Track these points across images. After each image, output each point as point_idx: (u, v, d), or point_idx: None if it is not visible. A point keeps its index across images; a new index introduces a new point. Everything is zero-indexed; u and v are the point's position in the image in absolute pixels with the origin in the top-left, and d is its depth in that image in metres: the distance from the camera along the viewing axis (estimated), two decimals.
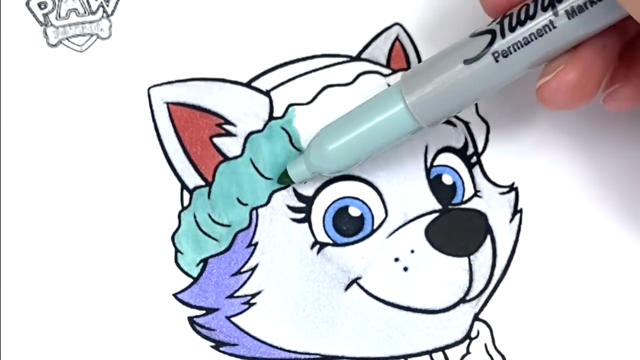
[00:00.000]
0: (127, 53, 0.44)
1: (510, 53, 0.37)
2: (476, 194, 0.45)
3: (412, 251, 0.44)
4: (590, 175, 0.46)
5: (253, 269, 0.43)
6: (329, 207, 0.43)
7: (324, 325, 0.44)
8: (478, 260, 0.45)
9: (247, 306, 0.43)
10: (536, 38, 0.37)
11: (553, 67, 0.38)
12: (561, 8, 0.36)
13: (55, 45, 0.44)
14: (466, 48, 0.38)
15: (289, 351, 0.44)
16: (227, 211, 0.43)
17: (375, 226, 0.44)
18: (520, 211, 0.45)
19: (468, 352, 0.45)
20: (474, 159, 0.45)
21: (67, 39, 0.44)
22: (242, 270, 0.43)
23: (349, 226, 0.44)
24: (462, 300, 0.45)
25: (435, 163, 0.45)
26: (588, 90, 0.38)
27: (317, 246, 0.44)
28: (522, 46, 0.37)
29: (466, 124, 0.45)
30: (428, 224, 0.44)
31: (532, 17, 0.37)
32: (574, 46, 0.37)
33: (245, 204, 0.43)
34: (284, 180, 0.43)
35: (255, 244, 0.43)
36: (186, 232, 0.43)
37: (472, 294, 0.45)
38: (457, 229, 0.44)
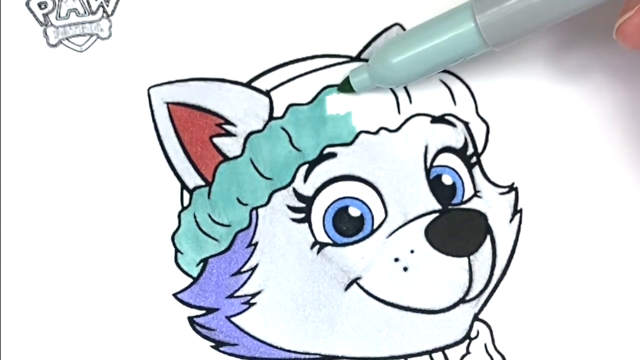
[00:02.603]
0: (127, 53, 0.44)
1: None
2: (476, 194, 0.45)
3: (412, 251, 0.44)
4: (590, 176, 0.46)
5: (253, 269, 0.43)
6: (329, 207, 0.43)
7: (324, 325, 0.44)
8: (478, 260, 0.45)
9: (247, 306, 0.43)
10: None
11: (634, 3, 0.38)
12: None
13: (55, 45, 0.44)
14: None
15: (289, 351, 0.44)
16: (227, 211, 0.43)
17: (375, 226, 0.44)
18: (520, 211, 0.45)
19: (468, 352, 0.45)
20: (474, 159, 0.45)
21: (67, 39, 0.44)
22: (242, 270, 0.43)
23: (349, 226, 0.44)
24: (462, 301, 0.45)
25: (435, 163, 0.45)
26: None
27: (317, 246, 0.44)
28: None
29: (466, 124, 0.45)
30: (428, 224, 0.44)
31: None
32: None
33: (245, 204, 0.43)
34: (345, 88, 0.43)
35: (255, 244, 0.43)
36: (186, 232, 0.43)
37: (472, 294, 0.45)
38: (457, 229, 0.44)
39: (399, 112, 0.44)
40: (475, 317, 0.45)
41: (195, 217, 0.43)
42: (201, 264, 0.43)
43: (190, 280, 0.43)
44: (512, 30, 0.39)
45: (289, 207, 0.44)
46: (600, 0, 0.38)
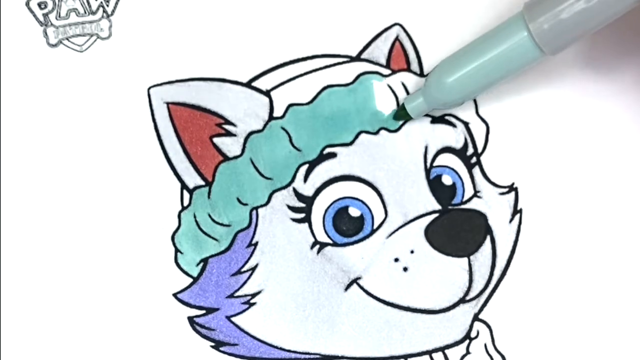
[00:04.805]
0: (127, 53, 0.44)
1: None
2: (476, 194, 0.45)
3: (412, 251, 0.44)
4: (590, 175, 0.46)
5: (253, 269, 0.43)
6: (329, 207, 0.43)
7: (324, 325, 0.44)
8: (478, 260, 0.45)
9: (247, 306, 0.43)
10: None
11: None
12: None
13: (55, 45, 0.44)
14: None
15: (289, 351, 0.44)
16: (227, 211, 0.43)
17: (375, 226, 0.44)
18: (520, 211, 0.45)
19: (468, 352, 0.45)
20: (474, 160, 0.45)
21: (67, 39, 0.44)
22: (242, 270, 0.43)
23: (349, 226, 0.44)
24: (462, 301, 0.45)
25: (435, 163, 0.45)
26: None
27: (317, 246, 0.44)
28: None
29: (466, 124, 0.45)
30: (428, 224, 0.44)
31: None
32: None
33: (245, 204, 0.43)
34: (401, 115, 0.43)
35: (255, 244, 0.43)
36: (186, 232, 0.43)
37: (471, 294, 0.45)
38: (457, 229, 0.44)
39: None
40: (475, 317, 0.45)
41: (195, 217, 0.43)
42: (201, 264, 0.43)
43: (190, 280, 0.43)
44: (567, 34, 0.39)
45: (289, 207, 0.44)
46: None
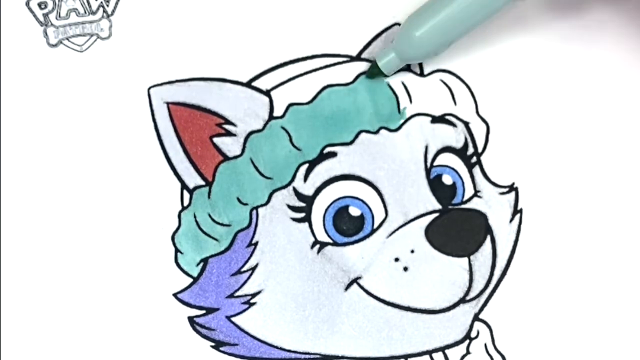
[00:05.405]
0: (127, 53, 0.44)
1: None
2: (476, 194, 0.45)
3: (412, 251, 0.44)
4: (590, 175, 0.46)
5: (253, 269, 0.43)
6: (329, 206, 0.43)
7: (324, 325, 0.44)
8: (478, 260, 0.45)
9: (247, 306, 0.43)
10: None
11: None
12: None
13: (55, 45, 0.44)
14: None
15: (289, 351, 0.44)
16: (227, 211, 0.43)
17: (375, 226, 0.44)
18: (520, 211, 0.45)
19: (468, 352, 0.45)
20: (474, 159, 0.45)
21: (67, 39, 0.44)
22: (242, 269, 0.43)
23: (349, 226, 0.44)
24: (462, 300, 0.44)
25: (435, 163, 0.45)
26: None
27: (317, 246, 0.44)
28: None
29: (466, 124, 0.45)
30: (428, 224, 0.44)
31: None
32: None
33: (245, 204, 0.43)
34: (374, 72, 0.43)
35: (255, 244, 0.43)
36: (186, 232, 0.43)
37: (472, 294, 0.45)
38: (457, 229, 0.44)
39: (399, 111, 0.44)
40: (476, 317, 0.45)
41: (195, 217, 0.43)
42: (201, 264, 0.43)
43: (190, 280, 0.43)
44: None
45: (289, 207, 0.43)
46: None
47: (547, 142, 0.46)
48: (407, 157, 0.44)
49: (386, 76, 0.44)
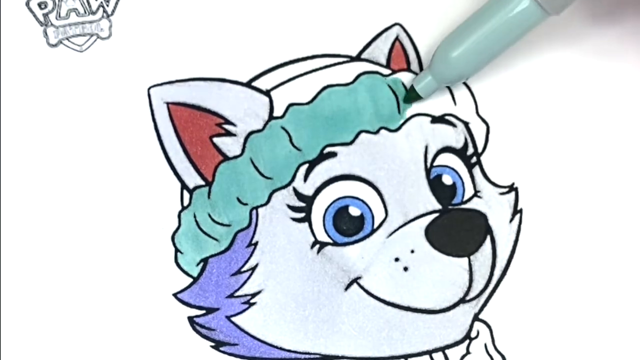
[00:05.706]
0: (127, 53, 0.44)
1: None
2: (476, 194, 0.45)
3: (412, 251, 0.44)
4: (590, 176, 0.46)
5: (253, 269, 0.43)
6: (329, 206, 0.43)
7: (324, 325, 0.44)
8: (478, 260, 0.45)
9: (247, 306, 0.43)
10: None
11: None
12: None
13: (55, 45, 0.44)
14: None
15: (289, 351, 0.44)
16: (227, 211, 0.43)
17: (375, 226, 0.44)
18: (520, 211, 0.45)
19: (468, 352, 0.45)
20: (474, 159, 0.45)
21: (67, 39, 0.44)
22: (242, 269, 0.43)
23: (349, 226, 0.44)
24: (462, 300, 0.44)
25: (435, 163, 0.45)
26: None
27: (317, 246, 0.44)
28: None
29: (466, 124, 0.45)
30: (428, 224, 0.44)
31: None
32: None
33: (245, 204, 0.43)
34: (411, 97, 0.44)
35: (255, 244, 0.43)
36: (186, 232, 0.43)
37: (472, 294, 0.45)
38: (457, 229, 0.44)
39: (399, 111, 0.44)
40: (476, 317, 0.45)
41: (195, 216, 0.43)
42: (201, 264, 0.43)
43: (190, 280, 0.43)
44: None
45: (289, 207, 0.43)
46: None
47: (547, 143, 0.46)
48: (407, 157, 0.44)
49: (422, 99, 0.44)
